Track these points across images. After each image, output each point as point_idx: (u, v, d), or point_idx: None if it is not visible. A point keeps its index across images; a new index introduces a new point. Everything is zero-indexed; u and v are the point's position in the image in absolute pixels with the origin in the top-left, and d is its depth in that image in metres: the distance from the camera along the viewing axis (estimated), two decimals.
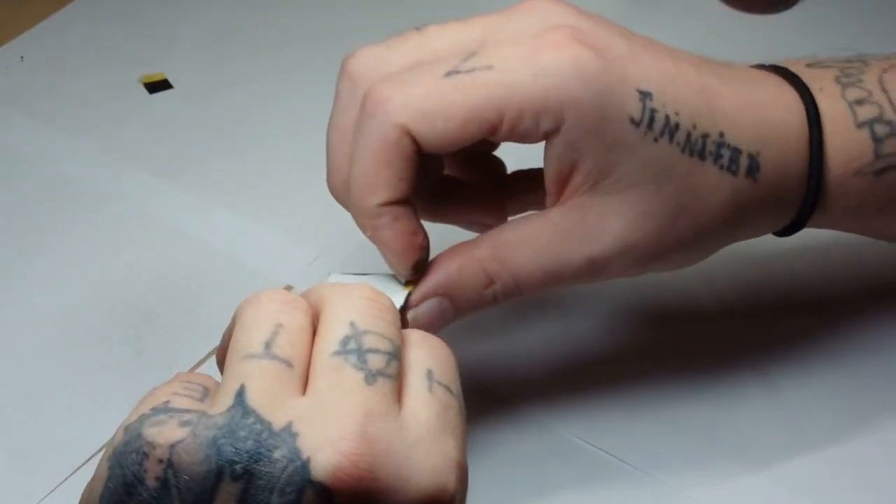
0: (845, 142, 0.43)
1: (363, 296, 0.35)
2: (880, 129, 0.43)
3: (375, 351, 0.34)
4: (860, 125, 0.43)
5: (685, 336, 0.50)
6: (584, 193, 0.40)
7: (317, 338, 0.34)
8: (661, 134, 0.40)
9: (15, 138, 0.62)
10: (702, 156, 0.41)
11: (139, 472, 0.31)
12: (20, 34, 0.68)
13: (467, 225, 0.47)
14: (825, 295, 0.51)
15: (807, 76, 0.44)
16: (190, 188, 0.58)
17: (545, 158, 0.41)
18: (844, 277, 0.52)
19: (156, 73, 0.65)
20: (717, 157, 0.41)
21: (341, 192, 0.42)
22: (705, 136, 0.41)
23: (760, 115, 0.42)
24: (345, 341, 0.34)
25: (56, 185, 0.59)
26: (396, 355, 0.34)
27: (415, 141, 0.39)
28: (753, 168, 0.42)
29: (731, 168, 0.41)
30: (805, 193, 0.43)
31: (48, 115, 0.63)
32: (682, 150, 0.40)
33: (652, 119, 0.40)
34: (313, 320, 0.35)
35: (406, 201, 0.40)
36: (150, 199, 0.58)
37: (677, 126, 0.40)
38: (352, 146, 0.41)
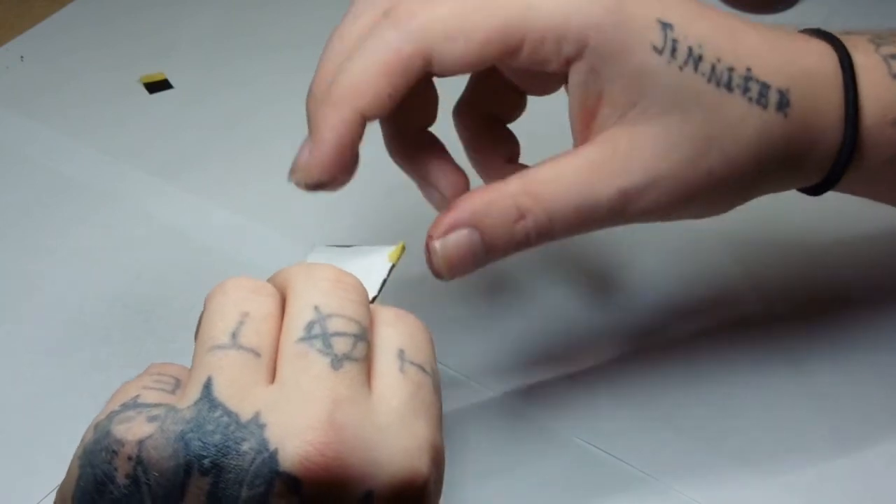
0: (881, 91, 0.42)
1: (327, 277, 0.35)
2: None
3: (341, 334, 0.33)
4: (895, 76, 0.43)
5: (687, 338, 0.50)
6: (612, 126, 0.40)
7: (283, 324, 0.34)
8: (685, 63, 0.39)
9: (15, 138, 0.62)
10: (729, 87, 0.40)
11: (109, 470, 0.31)
12: (20, 34, 0.68)
13: (429, 188, 0.44)
14: (829, 297, 0.51)
15: (839, 36, 0.44)
16: (190, 188, 0.58)
17: (570, 91, 0.40)
18: (851, 280, 0.52)
19: (156, 73, 0.65)
20: (745, 89, 0.40)
21: (318, 97, 0.40)
22: (731, 69, 0.40)
23: (790, 57, 0.42)
24: (309, 326, 0.33)
25: (56, 185, 0.59)
26: (363, 337, 0.34)
27: (424, 66, 0.39)
28: (784, 103, 0.41)
29: (761, 101, 0.40)
30: (841, 142, 0.42)
31: (48, 115, 0.63)
32: (709, 81, 0.40)
33: (674, 49, 0.39)
34: (282, 305, 0.35)
35: (372, 120, 0.39)
36: (150, 199, 0.58)
37: (700, 57, 0.39)
38: (356, 49, 0.39)
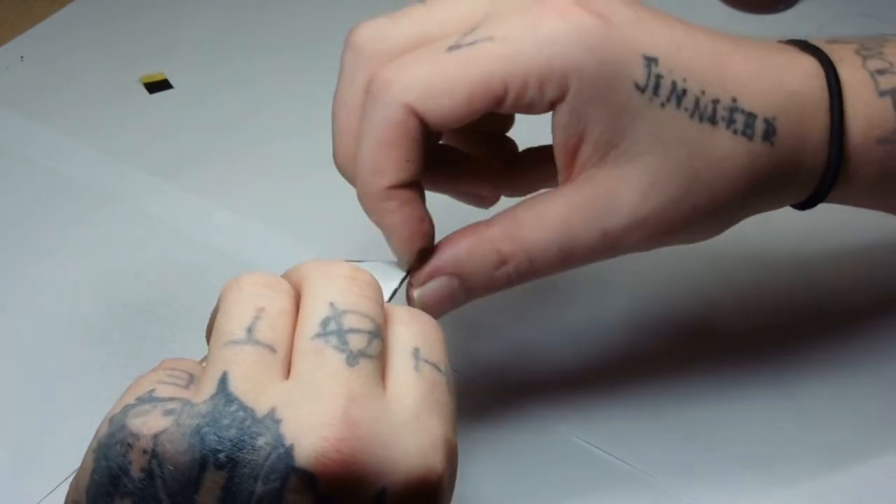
0: (867, 109, 0.42)
1: (342, 274, 0.35)
2: None
3: (356, 331, 0.33)
4: (882, 94, 0.43)
5: (687, 337, 0.50)
6: (594, 166, 0.40)
7: (298, 320, 0.34)
8: (668, 100, 0.39)
9: (15, 138, 0.62)
10: (713, 121, 0.40)
11: (124, 463, 0.31)
12: (20, 34, 0.68)
13: (461, 195, 0.46)
14: (829, 296, 0.51)
15: (826, 48, 0.43)
16: (190, 188, 0.58)
17: (553, 130, 0.40)
18: (852, 278, 0.52)
19: (156, 73, 0.65)
20: (730, 121, 0.40)
21: (348, 168, 0.41)
22: (716, 101, 0.40)
23: (776, 80, 0.41)
24: (325, 322, 0.33)
25: (56, 185, 0.59)
26: (378, 334, 0.34)
27: (421, 121, 0.39)
28: (770, 132, 0.41)
29: (746, 132, 0.40)
30: (826, 161, 0.42)
31: (48, 115, 0.63)
32: (692, 116, 0.40)
33: (657, 85, 0.39)
34: (296, 301, 0.35)
35: (413, 185, 0.40)
36: (150, 199, 0.58)
37: (685, 92, 0.39)
38: (358, 126, 0.40)
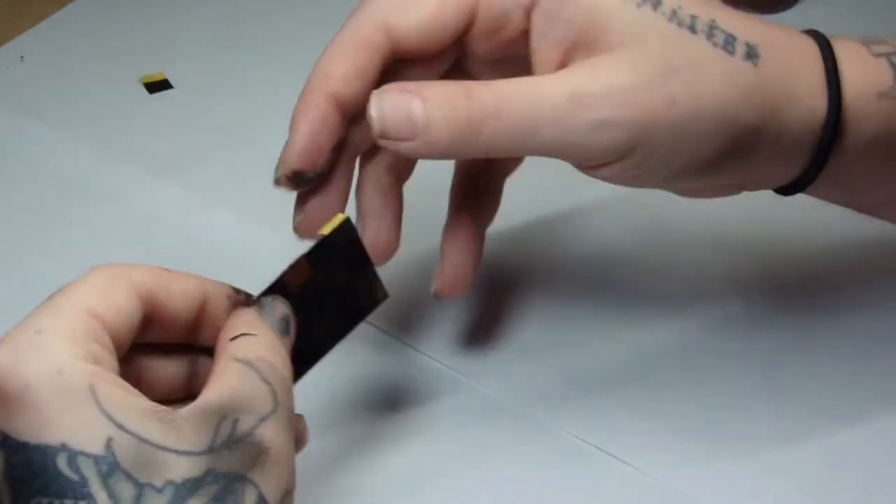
0: (863, 65, 0.41)
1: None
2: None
3: None
4: (877, 55, 0.42)
5: (686, 336, 0.50)
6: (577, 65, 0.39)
7: None
8: (643, 2, 0.39)
9: (15, 138, 0.62)
10: (693, 30, 0.39)
11: None
12: (20, 34, 0.68)
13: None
14: (826, 292, 0.51)
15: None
16: (190, 188, 0.58)
17: (532, 46, 0.39)
18: (848, 273, 0.52)
19: (156, 73, 0.65)
20: (710, 35, 0.39)
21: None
22: (693, 16, 0.39)
23: (758, 21, 0.41)
24: None
25: (56, 185, 0.59)
26: None
27: (388, 42, 0.39)
28: (752, 54, 0.39)
29: (727, 48, 0.39)
30: (826, 111, 0.40)
31: (48, 115, 0.63)
32: (670, 20, 0.39)
33: None
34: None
35: (349, 111, 0.39)
36: (150, 198, 0.58)
37: (660, 2, 0.39)
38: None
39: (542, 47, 0.39)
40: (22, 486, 0.31)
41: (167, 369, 0.38)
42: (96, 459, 0.31)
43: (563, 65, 0.39)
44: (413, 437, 0.47)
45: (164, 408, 0.33)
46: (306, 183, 0.40)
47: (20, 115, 0.63)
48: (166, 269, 0.37)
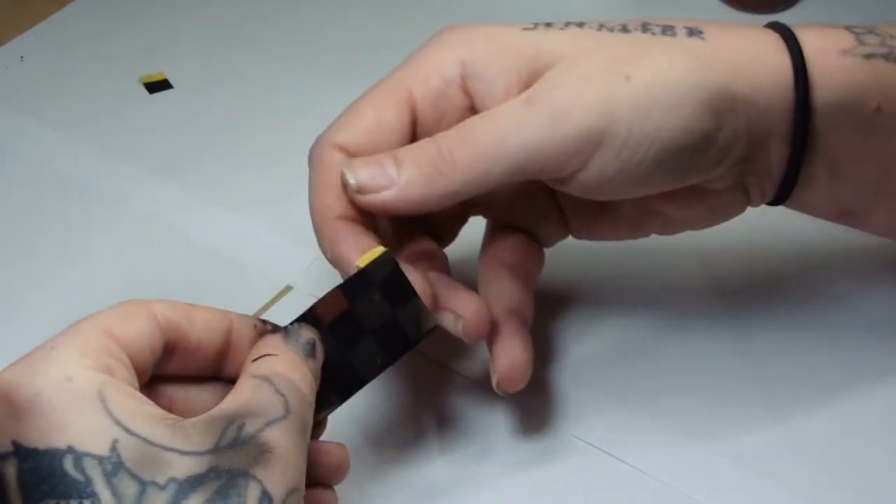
0: (819, 32, 0.41)
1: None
2: (857, 28, 0.42)
3: None
4: (833, 27, 0.42)
5: (685, 337, 0.50)
6: None
7: None
8: (566, 25, 0.41)
9: (15, 138, 0.62)
10: (624, 30, 0.40)
11: None
12: (20, 34, 0.68)
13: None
14: (825, 292, 0.51)
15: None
16: (190, 188, 0.58)
17: (480, 108, 0.41)
18: (846, 273, 0.52)
19: (156, 73, 0.65)
20: (645, 30, 0.40)
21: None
22: (623, 24, 0.41)
23: (697, 20, 0.41)
24: None
25: (56, 185, 0.59)
26: None
27: (349, 155, 0.42)
28: (695, 33, 0.40)
29: (667, 34, 0.40)
30: (791, 63, 0.40)
31: (48, 115, 0.63)
32: (598, 30, 0.40)
33: (548, 24, 0.41)
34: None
35: (361, 221, 0.41)
36: (150, 198, 0.58)
37: (582, 23, 0.41)
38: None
39: (489, 105, 0.41)
40: (32, 491, 0.32)
41: (197, 400, 0.38)
42: (101, 460, 0.32)
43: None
44: (412, 432, 0.47)
45: (174, 416, 0.34)
46: None
47: (20, 115, 0.63)
48: (189, 303, 0.38)
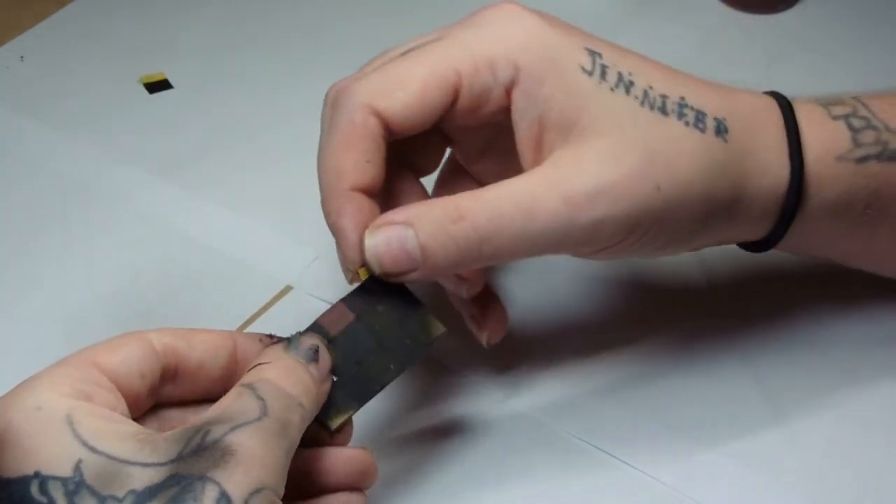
0: (822, 129, 0.43)
1: None
2: (856, 122, 0.43)
3: None
4: (835, 118, 0.43)
5: (686, 337, 0.50)
6: (556, 149, 0.40)
7: None
8: (616, 86, 0.40)
9: (15, 138, 0.62)
10: (663, 111, 0.40)
11: None
12: (20, 34, 0.68)
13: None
14: (824, 292, 0.51)
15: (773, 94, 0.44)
16: (190, 188, 0.58)
17: (514, 121, 0.40)
18: (845, 272, 0.52)
19: (156, 73, 0.65)
20: (681, 115, 0.40)
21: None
22: (664, 96, 0.40)
23: (724, 93, 0.42)
24: None
25: (56, 185, 0.59)
26: None
27: (382, 122, 0.40)
28: (722, 129, 0.41)
29: (698, 126, 0.40)
30: (788, 177, 0.42)
31: (48, 115, 0.63)
32: (642, 104, 0.40)
33: (604, 72, 0.40)
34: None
35: (372, 194, 0.40)
36: (150, 198, 0.58)
37: (632, 83, 0.40)
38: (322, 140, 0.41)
39: (522, 123, 0.40)
40: None
41: None
42: (64, 481, 0.33)
43: (540, 140, 0.40)
44: (411, 433, 0.47)
45: (149, 432, 0.35)
46: None
47: (20, 115, 0.63)
48: (190, 328, 0.39)
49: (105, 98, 0.64)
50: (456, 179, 0.46)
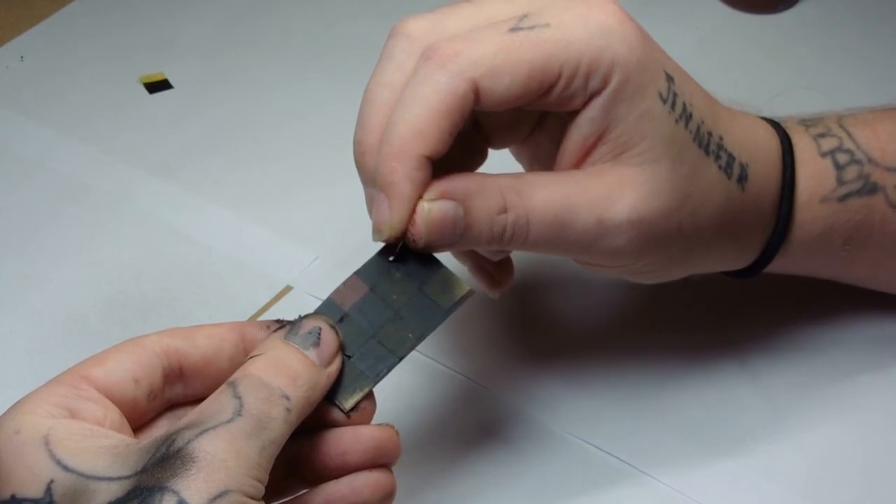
0: (812, 169, 0.45)
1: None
2: (841, 158, 0.45)
3: None
4: (824, 154, 0.45)
5: (685, 339, 0.50)
6: (605, 162, 0.40)
7: None
8: (680, 117, 0.41)
9: (15, 138, 0.62)
10: (707, 151, 0.42)
11: None
12: (20, 34, 0.68)
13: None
14: (823, 293, 0.52)
15: (775, 119, 0.46)
16: (190, 188, 0.58)
17: (576, 125, 0.40)
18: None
19: (156, 73, 0.65)
20: (718, 157, 0.42)
21: (370, 150, 0.40)
22: (710, 133, 0.42)
23: (748, 132, 0.44)
24: None
25: (56, 185, 0.59)
26: None
27: (476, 99, 0.39)
28: (743, 177, 0.43)
29: (728, 171, 0.42)
30: (776, 218, 0.44)
31: (48, 115, 0.63)
32: (694, 139, 0.41)
33: (674, 101, 0.40)
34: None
35: (435, 164, 0.39)
36: (150, 199, 0.58)
37: (691, 116, 0.41)
38: (402, 98, 0.39)
39: (584, 129, 0.40)
40: None
41: None
42: (36, 503, 0.34)
43: (591, 149, 0.41)
44: (411, 434, 0.47)
45: (132, 443, 0.35)
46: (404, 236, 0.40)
47: (20, 115, 0.63)
48: (194, 326, 0.39)
49: (105, 98, 0.64)
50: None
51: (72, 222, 0.57)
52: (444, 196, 0.39)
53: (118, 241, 0.56)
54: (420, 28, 0.40)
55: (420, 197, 0.39)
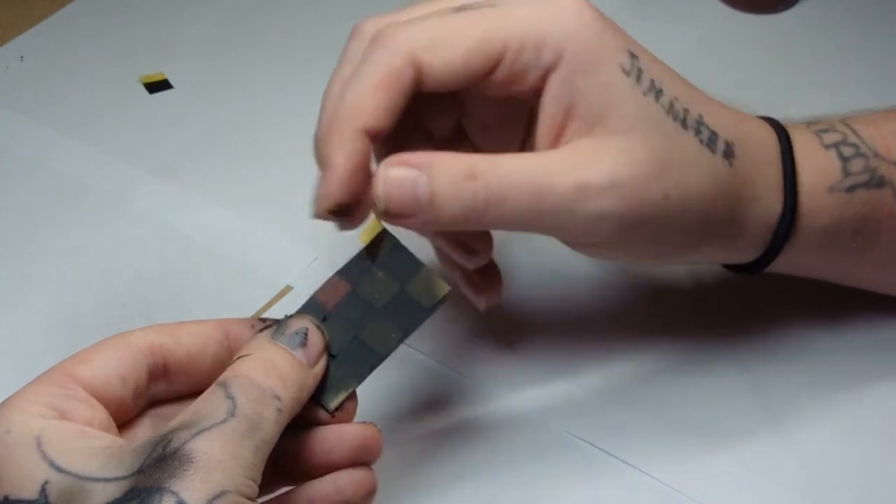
0: (815, 160, 0.44)
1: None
2: (846, 150, 0.45)
3: None
4: (827, 147, 0.45)
5: (685, 340, 0.50)
6: (578, 138, 0.40)
7: None
8: (648, 90, 0.40)
9: (15, 138, 0.62)
10: (684, 124, 0.41)
11: None
12: (20, 34, 0.68)
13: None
14: (823, 293, 0.52)
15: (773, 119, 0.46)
16: (190, 188, 0.58)
17: (542, 104, 0.40)
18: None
19: (156, 73, 0.65)
20: (698, 131, 0.41)
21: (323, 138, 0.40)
22: (686, 109, 0.41)
23: (735, 118, 0.43)
24: None
25: (56, 185, 0.59)
26: None
27: (416, 77, 0.39)
28: (729, 153, 0.42)
29: (710, 145, 0.41)
30: (782, 206, 0.43)
31: (48, 115, 0.63)
32: (667, 113, 0.41)
33: (640, 76, 0.40)
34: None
35: (377, 140, 0.39)
36: (149, 199, 0.58)
37: (661, 91, 0.41)
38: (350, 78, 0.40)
39: (551, 108, 0.40)
40: None
41: None
42: None
43: (563, 127, 0.40)
44: (410, 433, 0.47)
45: (124, 443, 0.35)
46: (345, 213, 0.40)
47: (20, 115, 0.63)
48: (178, 322, 0.39)
49: (105, 98, 0.64)
50: (459, 141, 0.46)
51: (72, 222, 0.57)
52: (403, 163, 0.39)
53: (118, 241, 0.56)
54: (375, 25, 0.41)
55: (357, 167, 0.38)
